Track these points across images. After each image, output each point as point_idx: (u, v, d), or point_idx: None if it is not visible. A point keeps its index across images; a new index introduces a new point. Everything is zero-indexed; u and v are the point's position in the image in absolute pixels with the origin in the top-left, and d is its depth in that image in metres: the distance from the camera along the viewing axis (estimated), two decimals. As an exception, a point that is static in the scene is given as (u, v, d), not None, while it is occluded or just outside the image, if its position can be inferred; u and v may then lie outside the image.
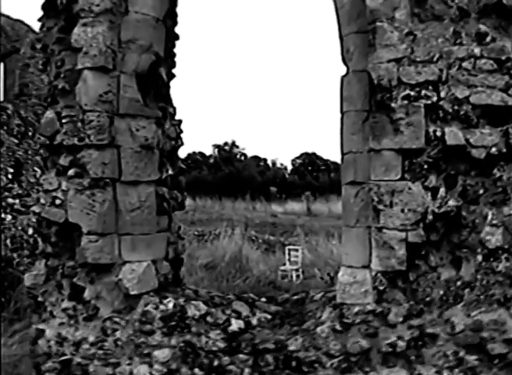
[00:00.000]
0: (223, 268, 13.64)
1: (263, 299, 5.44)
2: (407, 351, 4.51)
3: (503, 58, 4.37)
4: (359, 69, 4.75)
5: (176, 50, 5.75)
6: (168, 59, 5.54)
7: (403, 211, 4.47)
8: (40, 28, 5.27)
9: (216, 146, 61.64)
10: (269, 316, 4.99)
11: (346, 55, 4.87)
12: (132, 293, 4.95)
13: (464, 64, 4.41)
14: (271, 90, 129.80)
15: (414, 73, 4.46)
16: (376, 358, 4.57)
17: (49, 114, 4.98)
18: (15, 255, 10.88)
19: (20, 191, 11.36)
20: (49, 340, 5.09)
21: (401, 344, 4.50)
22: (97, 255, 4.94)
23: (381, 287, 4.57)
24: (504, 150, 4.36)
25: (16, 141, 11.14)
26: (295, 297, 5.49)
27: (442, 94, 4.44)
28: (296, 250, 15.13)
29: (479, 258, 4.46)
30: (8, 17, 12.15)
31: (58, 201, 4.99)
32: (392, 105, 4.48)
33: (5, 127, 10.89)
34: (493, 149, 4.36)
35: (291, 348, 4.67)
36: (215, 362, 4.80)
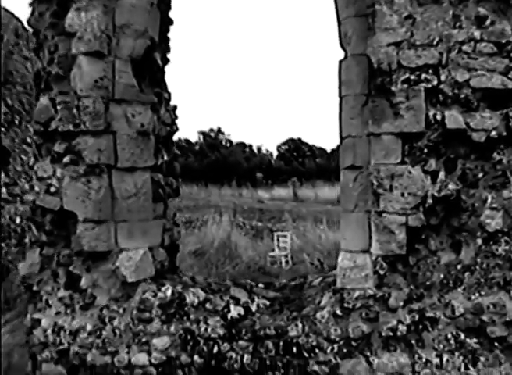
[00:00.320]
0: (212, 255, 13.59)
1: (261, 285, 5.42)
2: (408, 335, 4.54)
3: (503, 41, 4.36)
4: (358, 52, 4.72)
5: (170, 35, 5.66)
6: (162, 44, 5.46)
7: (403, 195, 4.47)
8: (31, 13, 5.15)
9: (202, 133, 61.42)
10: (268, 302, 4.98)
11: (344, 38, 4.83)
12: (129, 280, 4.91)
13: (464, 47, 4.39)
14: (255, 76, 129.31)
15: (413, 56, 4.43)
16: (377, 343, 4.59)
17: (43, 100, 4.89)
18: (3, 244, 10.76)
19: (7, 180, 11.21)
20: (45, 329, 5.04)
21: (402, 328, 4.53)
22: (94, 242, 4.88)
23: (381, 272, 4.57)
24: (504, 133, 4.36)
25: (3, 129, 10.97)
26: (293, 282, 5.48)
27: (442, 78, 4.42)
28: (285, 236, 15.09)
29: (479, 241, 4.48)
30: (-10, 5, 11.91)
31: (52, 189, 4.91)
32: (392, 88, 4.46)
33: (-9, 116, 10.72)
34: (493, 133, 4.36)
35: (291, 333, 4.67)
36: (215, 349, 4.78)
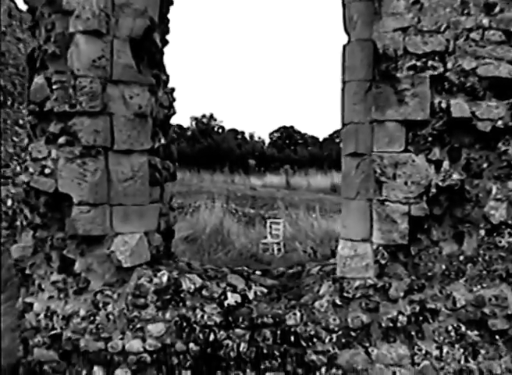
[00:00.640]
0: (204, 241, 13.51)
1: (258, 272, 5.34)
2: (408, 326, 4.48)
3: (512, 29, 4.26)
4: (363, 37, 4.61)
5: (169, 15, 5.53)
6: (162, 25, 5.32)
7: (406, 183, 4.39)
8: (28, -10, 5.00)
9: (194, 118, 61.19)
10: (265, 290, 4.91)
11: (349, 23, 4.71)
12: (125, 265, 4.80)
13: (472, 35, 4.30)
14: (248, 63, 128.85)
15: (420, 42, 4.34)
16: (376, 333, 4.53)
17: (38, 80, 4.75)
18: (-7, 226, 10.64)
19: (-1, 162, 11.07)
20: (38, 314, 4.95)
21: (402, 319, 4.47)
22: (89, 226, 4.77)
23: (382, 261, 4.51)
24: (510, 123, 4.29)
25: (-5, 110, 10.82)
26: (290, 270, 5.41)
27: (449, 65, 4.33)
28: (278, 223, 15.03)
29: (482, 232, 4.42)
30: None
31: (47, 171, 4.79)
32: (398, 75, 4.36)
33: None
34: (499, 122, 4.28)
35: (289, 322, 4.60)
36: (211, 337, 4.71)
